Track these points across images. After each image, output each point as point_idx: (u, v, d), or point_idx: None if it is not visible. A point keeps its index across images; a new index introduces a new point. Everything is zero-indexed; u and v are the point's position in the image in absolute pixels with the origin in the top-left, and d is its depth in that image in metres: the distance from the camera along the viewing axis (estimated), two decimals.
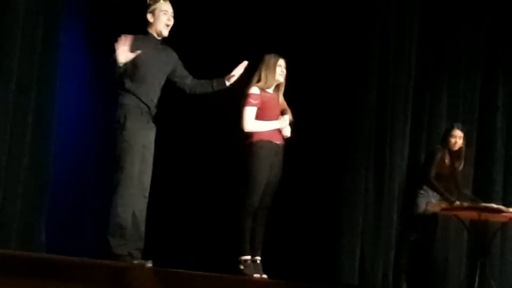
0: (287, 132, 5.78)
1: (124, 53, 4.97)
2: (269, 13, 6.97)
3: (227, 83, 5.53)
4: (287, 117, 5.77)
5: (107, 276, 4.21)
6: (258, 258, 5.64)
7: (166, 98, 5.39)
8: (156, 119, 5.29)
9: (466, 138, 6.86)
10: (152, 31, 5.30)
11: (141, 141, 5.14)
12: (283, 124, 5.76)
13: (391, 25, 7.08)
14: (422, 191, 6.70)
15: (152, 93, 5.24)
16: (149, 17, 5.30)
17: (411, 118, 7.18)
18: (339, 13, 7.04)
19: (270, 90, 5.79)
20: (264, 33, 6.84)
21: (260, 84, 5.75)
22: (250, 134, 5.70)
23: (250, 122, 5.68)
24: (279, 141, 5.73)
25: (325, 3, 7.03)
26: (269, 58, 5.80)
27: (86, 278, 4.09)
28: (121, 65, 4.99)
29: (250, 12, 6.94)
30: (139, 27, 5.29)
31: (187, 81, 5.50)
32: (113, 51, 4.97)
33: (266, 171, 5.64)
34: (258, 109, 5.68)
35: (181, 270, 4.63)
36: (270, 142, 5.69)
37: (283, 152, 5.75)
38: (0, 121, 5.38)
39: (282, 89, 5.83)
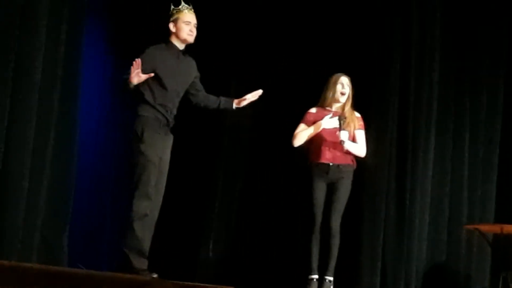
0: (342, 136, 5.67)
1: (137, 76, 4.94)
2: (290, 27, 7.01)
3: (234, 106, 5.45)
4: (330, 116, 5.74)
5: None
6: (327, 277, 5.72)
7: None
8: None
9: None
10: (174, 40, 5.25)
11: (159, 153, 5.13)
12: (328, 125, 5.72)
13: (413, 37, 7.03)
14: None
15: (170, 104, 5.21)
16: (171, 26, 5.23)
17: (435, 133, 7.11)
18: (360, 26, 7.04)
19: (333, 108, 5.83)
20: (288, 44, 6.89)
21: (320, 103, 5.84)
22: (307, 156, 5.77)
23: (295, 137, 5.76)
24: (332, 162, 5.71)
25: (346, 13, 7.05)
26: (331, 77, 5.84)
27: None
28: (132, 86, 4.99)
29: (277, 19, 7.01)
30: (161, 34, 5.28)
31: (199, 94, 5.44)
32: (130, 63, 4.98)
33: (319, 193, 5.67)
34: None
35: (201, 284, 4.62)
36: (320, 163, 5.72)
37: (347, 173, 5.77)
38: (22, 134, 5.36)
39: (348, 104, 5.83)
